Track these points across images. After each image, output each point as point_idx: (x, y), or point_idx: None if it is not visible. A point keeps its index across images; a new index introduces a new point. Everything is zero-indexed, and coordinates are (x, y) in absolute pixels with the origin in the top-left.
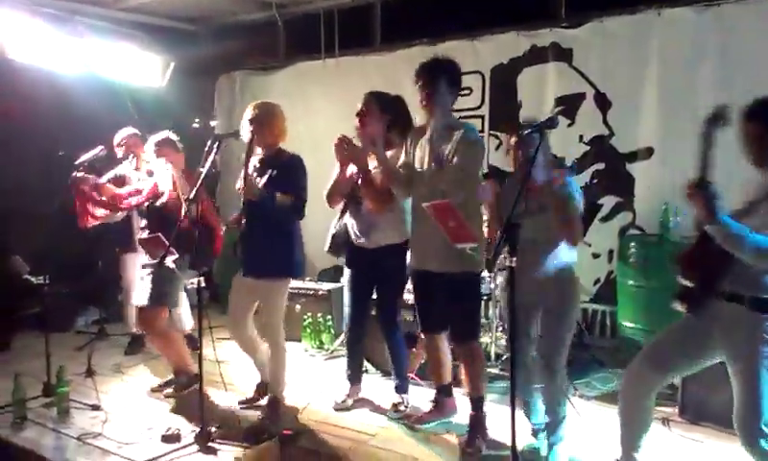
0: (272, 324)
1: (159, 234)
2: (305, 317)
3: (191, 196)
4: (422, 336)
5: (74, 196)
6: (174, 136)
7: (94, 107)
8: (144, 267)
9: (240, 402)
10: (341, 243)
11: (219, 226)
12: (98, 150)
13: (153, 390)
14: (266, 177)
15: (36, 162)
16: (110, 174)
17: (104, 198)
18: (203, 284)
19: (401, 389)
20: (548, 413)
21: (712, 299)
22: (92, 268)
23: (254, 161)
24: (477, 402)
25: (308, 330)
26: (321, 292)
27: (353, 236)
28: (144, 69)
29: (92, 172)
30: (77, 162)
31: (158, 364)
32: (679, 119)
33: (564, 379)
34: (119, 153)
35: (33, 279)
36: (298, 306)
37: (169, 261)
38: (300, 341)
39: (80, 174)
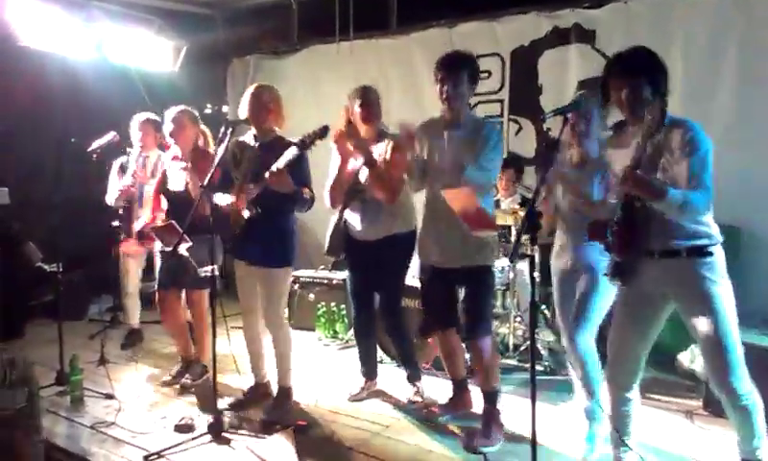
0: (275, 311)
1: (173, 222)
2: (319, 306)
3: (206, 182)
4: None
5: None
6: (189, 112)
7: (107, 92)
8: (161, 254)
9: (230, 405)
10: (340, 243)
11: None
12: (110, 136)
13: (164, 383)
14: (284, 162)
15: (49, 149)
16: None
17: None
18: (216, 272)
19: (414, 377)
20: (583, 389)
21: (645, 262)
22: (106, 255)
23: (253, 147)
24: (491, 396)
25: (322, 320)
26: (335, 281)
27: (356, 231)
28: (157, 54)
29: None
30: (89, 149)
31: (165, 356)
32: (702, 101)
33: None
34: (137, 139)
35: (46, 267)
36: (312, 296)
37: (183, 249)
38: (314, 330)
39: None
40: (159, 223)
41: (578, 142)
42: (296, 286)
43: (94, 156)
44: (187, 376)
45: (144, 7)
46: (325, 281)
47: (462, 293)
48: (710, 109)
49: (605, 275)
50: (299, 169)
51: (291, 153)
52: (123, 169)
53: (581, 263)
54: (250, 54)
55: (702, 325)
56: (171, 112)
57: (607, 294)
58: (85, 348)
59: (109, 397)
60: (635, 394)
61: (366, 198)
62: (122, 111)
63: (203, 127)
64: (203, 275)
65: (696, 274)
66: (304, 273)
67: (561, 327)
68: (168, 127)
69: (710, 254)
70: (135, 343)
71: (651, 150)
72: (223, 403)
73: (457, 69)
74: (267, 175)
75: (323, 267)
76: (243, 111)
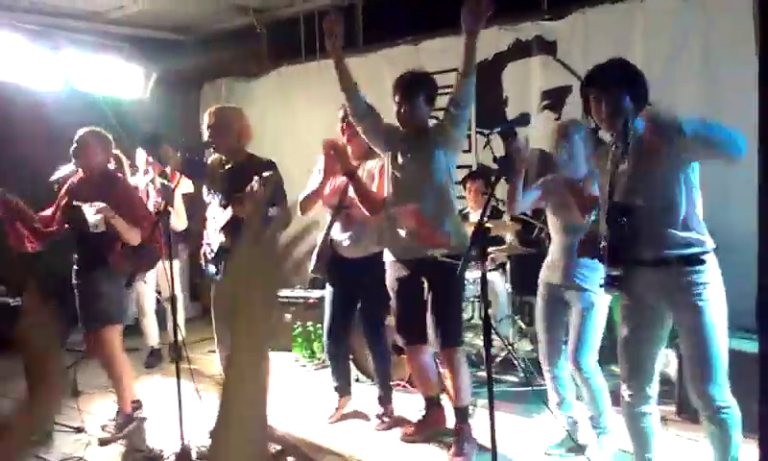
0: None
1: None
2: (295, 326)
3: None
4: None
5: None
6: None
7: (75, 123)
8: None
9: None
10: (326, 261)
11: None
12: (71, 166)
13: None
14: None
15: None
16: None
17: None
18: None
19: (385, 399)
20: (590, 406)
21: (639, 272)
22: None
23: (221, 170)
24: (462, 413)
25: (299, 340)
26: (311, 300)
27: (341, 247)
28: (126, 81)
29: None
30: (51, 179)
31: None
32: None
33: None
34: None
35: (10, 301)
36: (288, 315)
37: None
38: (290, 351)
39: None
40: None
41: (561, 168)
42: None
43: (56, 186)
44: (107, 425)
45: (112, 34)
46: (301, 300)
47: (431, 295)
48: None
49: (600, 286)
50: (273, 188)
51: (257, 181)
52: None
53: (572, 281)
54: (221, 78)
55: (689, 333)
56: (79, 132)
57: (602, 311)
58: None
59: (79, 430)
60: (652, 408)
61: (352, 214)
62: None
63: (116, 152)
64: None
65: (686, 282)
66: (280, 292)
67: (542, 341)
68: (72, 146)
69: (702, 262)
70: (155, 364)
71: (635, 158)
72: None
73: (413, 91)
74: (234, 203)
75: (299, 286)
76: (204, 136)
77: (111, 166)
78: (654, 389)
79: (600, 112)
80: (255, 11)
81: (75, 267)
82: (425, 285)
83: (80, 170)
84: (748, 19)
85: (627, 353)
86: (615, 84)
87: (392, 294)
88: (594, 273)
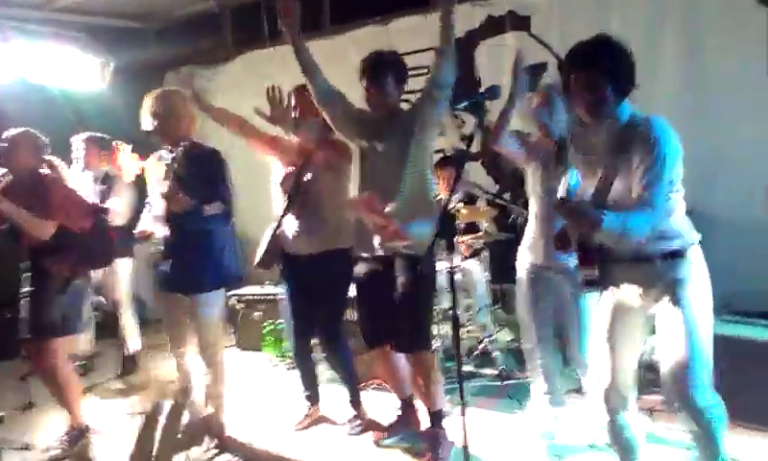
0: (208, 341)
1: None
2: (265, 325)
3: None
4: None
5: None
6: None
7: (29, 116)
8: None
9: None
10: (273, 254)
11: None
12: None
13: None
14: (170, 178)
15: None
16: None
17: None
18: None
19: (355, 402)
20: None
21: (618, 269)
22: None
23: (165, 159)
24: (436, 417)
25: (269, 339)
26: (281, 297)
27: (290, 241)
28: (83, 72)
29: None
30: None
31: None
32: (644, 81)
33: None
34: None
35: None
36: (257, 314)
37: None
38: (261, 351)
39: None
40: None
41: (545, 133)
42: (240, 305)
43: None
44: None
45: (66, 23)
46: (271, 297)
47: (396, 296)
48: (653, 88)
49: (580, 285)
50: (206, 179)
51: (180, 164)
52: None
53: (556, 262)
54: (184, 65)
55: (668, 333)
56: (9, 133)
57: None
58: (16, 390)
59: (27, 448)
60: (632, 413)
61: (306, 201)
62: (48, 135)
63: (50, 157)
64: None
65: (667, 278)
66: (249, 290)
67: (527, 326)
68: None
69: (682, 256)
70: (134, 369)
71: (610, 155)
72: None
73: (380, 72)
74: (163, 194)
75: (268, 282)
76: (146, 123)
77: (45, 171)
78: (633, 393)
79: (581, 97)
80: None
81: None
82: (393, 283)
83: (8, 172)
84: None
85: (605, 355)
86: (600, 66)
87: (356, 292)
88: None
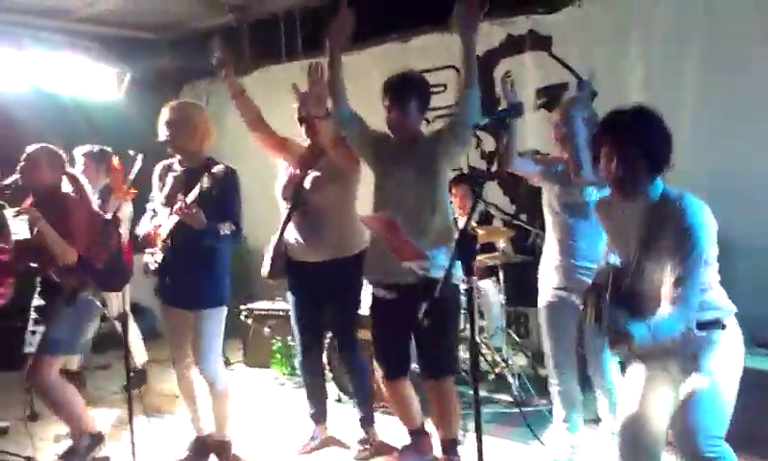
0: (208, 358)
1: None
2: (274, 341)
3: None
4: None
5: None
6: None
7: (43, 126)
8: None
9: None
10: (282, 264)
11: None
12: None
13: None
14: (195, 194)
15: None
16: None
17: None
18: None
19: (367, 421)
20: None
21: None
22: None
23: (175, 171)
24: (450, 446)
25: (278, 356)
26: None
27: (295, 250)
28: (97, 82)
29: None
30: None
31: (105, 402)
32: (667, 105)
33: None
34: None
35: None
36: (266, 329)
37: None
38: (269, 367)
39: None
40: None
41: (562, 150)
42: (249, 321)
43: (7, 192)
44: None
45: (81, 33)
46: (281, 313)
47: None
48: (674, 109)
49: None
50: (222, 199)
51: (205, 182)
52: None
53: (575, 281)
54: (201, 79)
55: (691, 379)
56: (30, 149)
57: None
58: (23, 401)
59: (29, 460)
60: None
61: (308, 210)
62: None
63: (72, 170)
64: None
65: (700, 342)
66: (259, 305)
67: (549, 352)
68: (21, 164)
69: (717, 325)
70: (141, 384)
71: (640, 233)
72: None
73: (404, 95)
74: (175, 208)
75: (279, 298)
76: (162, 133)
77: (67, 187)
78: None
79: (610, 169)
80: (234, 8)
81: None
82: (412, 310)
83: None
84: (753, 19)
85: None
86: (636, 142)
87: (372, 320)
88: None
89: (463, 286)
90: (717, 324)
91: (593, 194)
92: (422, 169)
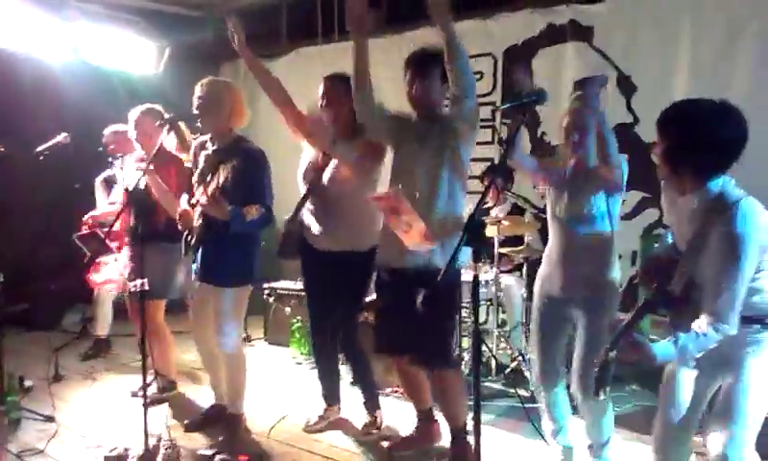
0: (227, 333)
1: (96, 230)
2: (294, 321)
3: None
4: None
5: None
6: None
7: (85, 96)
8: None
9: (186, 426)
10: (293, 245)
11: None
12: (60, 137)
13: (133, 394)
14: (221, 178)
15: (23, 155)
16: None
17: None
18: (145, 286)
19: (371, 405)
20: (590, 434)
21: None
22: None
23: (207, 151)
24: (458, 433)
25: (297, 335)
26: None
27: (312, 236)
28: (139, 55)
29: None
30: (36, 150)
31: (128, 368)
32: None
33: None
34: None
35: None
36: (288, 309)
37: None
38: (288, 346)
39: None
40: (85, 230)
41: (572, 150)
42: (271, 299)
43: (41, 157)
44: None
45: (126, 7)
46: (302, 294)
47: (415, 309)
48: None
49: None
50: (251, 181)
51: (234, 164)
52: (108, 183)
53: (575, 294)
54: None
55: (728, 386)
56: (134, 114)
57: (609, 322)
58: (48, 361)
59: (49, 419)
60: None
61: (326, 199)
62: (102, 116)
63: (169, 117)
64: (132, 288)
65: (746, 341)
66: (281, 284)
67: (536, 361)
68: (130, 129)
69: (761, 323)
70: (98, 354)
71: (692, 228)
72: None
73: (426, 67)
74: (199, 198)
75: (300, 278)
76: (194, 109)
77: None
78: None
79: (662, 168)
80: None
81: None
82: (414, 296)
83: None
84: None
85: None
86: (689, 142)
87: (376, 300)
88: (601, 276)
89: (488, 275)
90: (764, 322)
91: (599, 206)
92: (439, 148)
